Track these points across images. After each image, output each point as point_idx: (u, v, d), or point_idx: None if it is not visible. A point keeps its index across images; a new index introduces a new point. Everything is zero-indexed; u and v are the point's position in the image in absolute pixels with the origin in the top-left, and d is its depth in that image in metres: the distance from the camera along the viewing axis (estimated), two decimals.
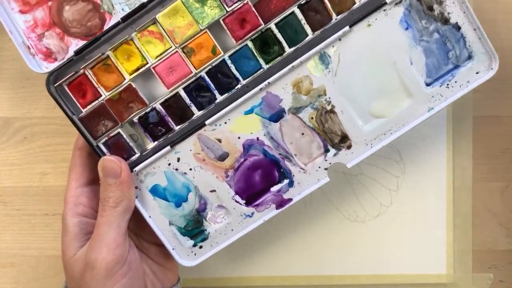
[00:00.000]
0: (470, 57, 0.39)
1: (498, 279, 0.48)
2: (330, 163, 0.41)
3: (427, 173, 0.48)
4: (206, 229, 0.42)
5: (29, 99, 0.47)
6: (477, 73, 0.39)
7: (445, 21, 0.38)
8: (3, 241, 0.48)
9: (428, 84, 0.39)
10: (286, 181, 0.41)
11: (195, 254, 0.42)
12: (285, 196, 0.41)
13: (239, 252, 0.47)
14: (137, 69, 0.39)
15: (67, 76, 0.39)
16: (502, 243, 0.48)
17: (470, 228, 0.48)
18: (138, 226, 0.42)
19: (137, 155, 0.40)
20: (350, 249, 0.48)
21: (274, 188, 0.41)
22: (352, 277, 0.48)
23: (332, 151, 0.40)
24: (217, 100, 0.40)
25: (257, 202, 0.41)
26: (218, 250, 0.41)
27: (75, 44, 0.39)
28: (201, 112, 0.40)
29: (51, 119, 0.47)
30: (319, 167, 0.41)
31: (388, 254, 0.48)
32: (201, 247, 0.42)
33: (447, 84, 0.39)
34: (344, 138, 0.40)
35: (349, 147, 0.40)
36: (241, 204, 0.41)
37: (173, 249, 0.41)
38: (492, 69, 0.39)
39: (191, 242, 0.42)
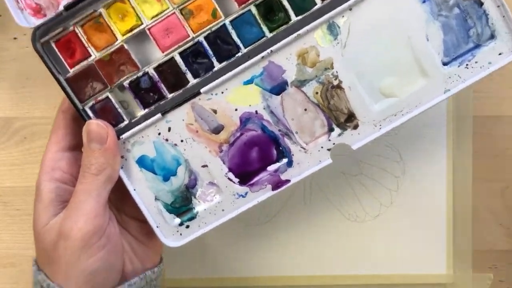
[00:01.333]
0: (492, 36, 0.36)
1: (498, 279, 0.48)
2: (334, 144, 0.37)
3: (427, 173, 0.48)
4: (194, 208, 0.38)
5: (29, 99, 0.47)
6: (499, 54, 0.36)
7: None
8: (3, 241, 0.48)
9: (445, 64, 0.36)
10: (284, 161, 0.38)
11: (180, 234, 0.38)
12: (283, 177, 0.38)
13: (239, 252, 0.47)
14: (131, 29, 0.37)
15: (55, 32, 0.36)
16: (502, 243, 0.48)
17: (470, 228, 0.48)
18: (120, 199, 0.38)
19: (125, 122, 0.37)
20: (350, 249, 0.48)
21: (271, 168, 0.38)
22: (352, 277, 0.48)
23: (337, 130, 0.37)
24: (215, 68, 0.37)
25: (251, 182, 0.38)
26: (206, 231, 0.38)
27: (66, 0, 0.36)
28: (196, 80, 0.37)
29: (51, 119, 0.47)
30: (322, 147, 0.37)
31: (388, 254, 0.48)
32: (188, 226, 0.38)
33: (466, 65, 0.36)
34: (351, 117, 0.37)
35: (355, 127, 0.37)
36: (234, 182, 0.38)
37: (157, 226, 0.38)
38: None
39: (178, 220, 0.38)
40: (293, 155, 0.38)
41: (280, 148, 0.38)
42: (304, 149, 0.37)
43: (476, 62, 0.36)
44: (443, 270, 0.48)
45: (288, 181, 0.38)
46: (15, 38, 0.47)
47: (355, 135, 0.37)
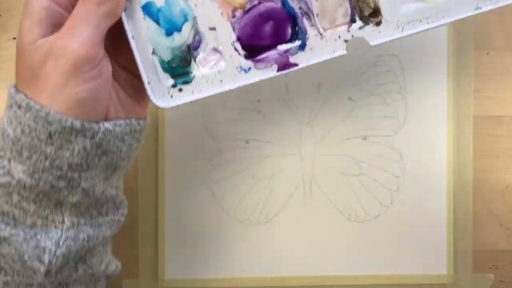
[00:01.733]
0: None
1: (498, 279, 0.48)
2: (352, 36, 0.35)
3: (427, 173, 0.48)
4: (192, 72, 0.36)
5: None
6: None
7: None
8: None
9: None
10: (297, 43, 0.35)
11: (171, 96, 0.36)
12: (291, 59, 0.35)
13: (239, 252, 0.47)
14: None
15: None
16: (502, 243, 0.48)
17: (470, 228, 0.48)
18: (115, 46, 0.35)
19: None
20: (350, 249, 0.48)
21: (282, 47, 0.35)
22: (352, 277, 0.48)
23: (359, 23, 0.35)
24: None
25: (258, 57, 0.35)
26: (198, 98, 0.36)
27: None
28: None
29: None
30: (339, 37, 0.35)
31: (388, 254, 0.48)
32: (180, 90, 0.36)
33: None
34: (376, 12, 0.35)
35: (378, 23, 0.35)
36: (239, 53, 0.35)
37: (148, 82, 0.35)
38: None
39: (171, 81, 0.36)
40: (308, 38, 0.35)
41: (296, 28, 0.35)
42: (321, 34, 0.35)
43: None
44: (443, 270, 0.48)
45: (296, 64, 0.36)
46: (14, 38, 0.47)
47: (375, 32, 0.35)
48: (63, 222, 0.33)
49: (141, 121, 0.36)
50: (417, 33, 0.35)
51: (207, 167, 0.47)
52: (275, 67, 0.36)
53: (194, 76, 0.36)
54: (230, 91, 0.36)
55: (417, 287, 0.48)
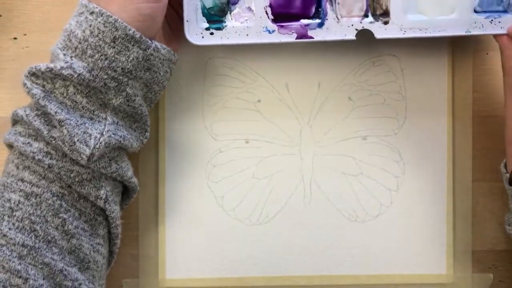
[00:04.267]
0: None
1: (498, 279, 0.48)
2: (363, 27, 0.42)
3: (427, 173, 0.48)
4: (225, 22, 0.43)
5: (29, 99, 0.47)
6: None
7: None
8: None
9: (476, 11, 0.42)
10: (317, 21, 0.43)
11: (202, 37, 0.43)
12: (309, 33, 0.43)
13: (239, 252, 0.47)
14: None
15: None
16: (502, 243, 0.48)
17: (470, 228, 0.48)
18: None
19: None
20: (350, 249, 0.48)
21: (305, 21, 0.43)
22: (352, 277, 0.48)
23: (370, 18, 0.43)
24: None
25: (283, 24, 0.43)
26: (224, 43, 0.43)
27: None
28: None
29: None
30: (352, 25, 0.43)
31: (388, 254, 0.48)
32: (212, 33, 0.43)
33: (492, 20, 0.42)
34: (386, 13, 0.42)
35: (386, 23, 0.42)
36: (268, 17, 0.43)
37: (187, 20, 0.42)
38: None
39: (206, 25, 0.43)
40: (327, 19, 0.43)
41: (320, 9, 0.43)
42: (338, 19, 0.43)
43: (499, 22, 0.42)
44: (443, 270, 0.48)
45: (312, 37, 0.43)
46: (15, 38, 0.47)
47: (382, 29, 0.43)
48: (106, 118, 0.39)
49: (176, 55, 0.42)
50: (415, 37, 0.42)
51: (207, 167, 0.47)
52: (295, 35, 0.43)
53: (226, 26, 0.43)
54: (253, 44, 0.43)
55: (417, 287, 0.48)
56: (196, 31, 0.42)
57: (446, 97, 0.48)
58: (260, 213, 0.48)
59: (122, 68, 0.38)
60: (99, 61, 0.38)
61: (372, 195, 0.48)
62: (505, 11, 0.42)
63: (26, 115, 0.39)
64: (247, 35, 0.43)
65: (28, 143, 0.38)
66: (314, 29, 0.43)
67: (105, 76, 0.38)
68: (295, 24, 0.43)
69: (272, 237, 0.48)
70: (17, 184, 0.38)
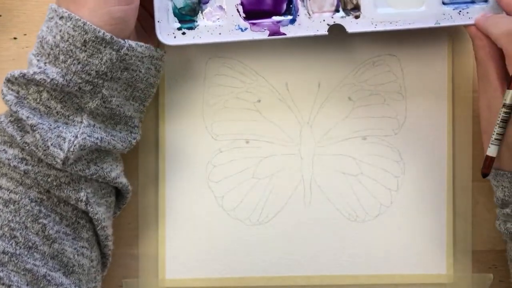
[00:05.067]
0: (486, 0, 0.43)
1: (498, 279, 0.48)
2: (334, 22, 0.43)
3: (427, 173, 0.48)
4: (197, 21, 0.43)
5: None
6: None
7: None
8: None
9: (444, 3, 0.43)
10: (289, 17, 0.43)
11: (175, 37, 0.43)
12: (282, 30, 0.43)
13: (239, 252, 0.47)
14: None
15: None
16: (502, 243, 0.48)
17: (470, 228, 0.48)
18: None
19: None
20: (350, 249, 0.48)
21: (276, 18, 0.43)
22: (352, 277, 0.48)
23: (341, 13, 0.43)
24: None
25: (255, 21, 0.43)
26: (196, 43, 0.43)
27: None
28: None
29: None
30: (323, 20, 0.43)
31: (388, 254, 0.48)
32: (184, 33, 0.43)
33: (460, 11, 0.43)
34: (356, 8, 0.43)
35: (357, 17, 0.43)
36: (240, 15, 0.43)
37: (158, 21, 0.42)
38: None
39: (178, 25, 0.43)
40: (298, 15, 0.43)
41: (291, 5, 0.43)
42: (309, 15, 0.43)
43: (467, 12, 0.43)
44: (443, 270, 0.48)
45: (284, 34, 0.43)
46: (15, 38, 0.47)
47: (353, 23, 0.43)
48: (81, 121, 0.39)
49: (158, 50, 0.42)
50: (386, 31, 0.43)
51: (207, 167, 0.47)
52: (267, 32, 0.43)
53: (198, 25, 0.43)
54: (225, 43, 0.43)
55: (417, 287, 0.48)
56: (167, 31, 0.43)
57: (446, 97, 0.48)
58: (260, 213, 0.48)
59: (96, 71, 0.38)
60: (72, 65, 0.38)
61: (372, 195, 0.48)
62: (472, 2, 0.43)
63: (0, 122, 0.39)
64: (220, 33, 0.43)
65: (3, 150, 0.38)
66: (286, 25, 0.43)
67: (79, 80, 0.38)
68: (267, 21, 0.43)
69: (272, 237, 0.48)
70: None
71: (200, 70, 0.47)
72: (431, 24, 0.43)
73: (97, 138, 0.39)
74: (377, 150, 0.48)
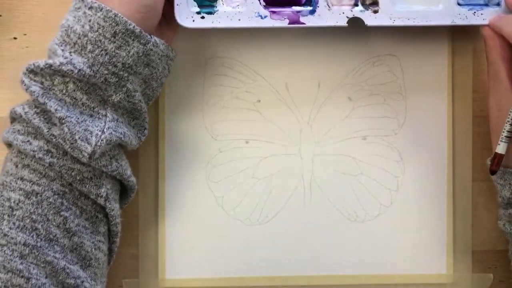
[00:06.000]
0: (498, 4, 0.44)
1: (498, 279, 0.48)
2: (353, 15, 0.43)
3: (427, 173, 0.48)
4: (216, 6, 0.43)
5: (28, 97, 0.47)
6: None
7: None
8: None
9: (459, 4, 0.44)
10: (309, 8, 0.43)
11: (193, 21, 0.43)
12: (301, 19, 0.43)
13: (239, 252, 0.47)
14: None
15: None
16: (502, 243, 0.48)
17: (470, 228, 0.48)
18: None
19: None
20: (350, 249, 0.48)
21: (297, 8, 0.43)
22: (352, 277, 0.48)
23: (360, 7, 0.43)
24: None
25: (275, 10, 0.43)
26: (215, 27, 0.43)
27: None
28: None
29: None
30: (343, 13, 0.43)
31: (388, 254, 0.48)
32: (203, 17, 0.43)
33: (474, 12, 0.44)
34: (375, 3, 0.44)
35: (375, 12, 0.43)
36: (261, 3, 0.43)
37: (177, 4, 0.42)
38: None
39: (197, 9, 0.43)
40: (318, 7, 0.43)
41: None
42: (329, 7, 0.43)
43: (481, 14, 0.44)
44: (443, 270, 0.48)
45: (303, 23, 0.43)
46: (15, 38, 0.47)
47: (372, 17, 0.44)
48: (106, 115, 0.39)
49: (174, 51, 0.42)
50: (404, 26, 0.44)
51: (207, 167, 0.47)
52: (287, 21, 0.43)
53: (217, 10, 0.43)
54: (246, 29, 0.44)
55: (417, 287, 0.48)
56: (186, 14, 0.42)
57: (446, 97, 0.48)
58: (260, 213, 0.48)
59: (122, 63, 0.38)
60: (100, 56, 0.37)
61: (372, 195, 0.48)
62: (486, 5, 0.44)
63: (25, 112, 0.38)
64: (239, 20, 0.43)
65: (28, 141, 0.38)
66: (306, 15, 0.43)
67: (106, 72, 0.38)
68: (287, 10, 0.43)
69: (272, 237, 0.48)
70: (16, 183, 0.38)
71: (200, 70, 0.47)
72: (447, 22, 0.44)
73: (121, 133, 0.39)
74: (377, 150, 0.48)
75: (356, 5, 0.43)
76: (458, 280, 0.48)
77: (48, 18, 0.47)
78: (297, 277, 0.48)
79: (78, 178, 0.38)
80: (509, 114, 0.42)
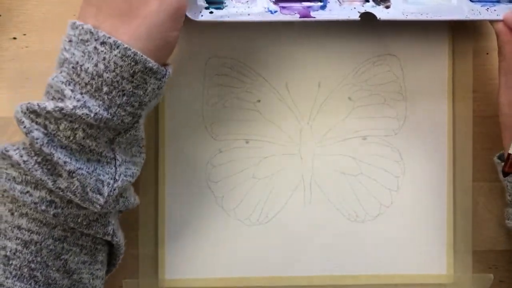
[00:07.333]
0: (510, 1, 0.44)
1: (498, 279, 0.48)
2: (365, 10, 0.43)
3: (427, 173, 0.48)
4: (225, 3, 0.43)
5: (29, 99, 0.47)
6: None
7: None
8: None
9: (472, 1, 0.44)
10: (319, 4, 0.43)
11: (202, 16, 0.42)
12: (312, 14, 0.43)
13: (239, 252, 0.47)
14: None
15: None
16: (502, 243, 0.48)
17: (470, 228, 0.48)
18: None
19: None
20: (350, 249, 0.48)
21: (307, 3, 0.43)
22: (352, 277, 0.48)
23: (371, 3, 0.44)
24: None
25: (285, 5, 0.43)
26: (224, 21, 0.42)
27: None
28: None
29: None
30: (354, 8, 0.43)
31: (388, 254, 0.48)
32: (211, 12, 0.42)
33: (487, 8, 0.44)
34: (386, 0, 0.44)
35: (387, 7, 0.44)
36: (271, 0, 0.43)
37: None
38: None
39: (205, 5, 0.42)
40: (329, 2, 0.43)
41: None
42: (340, 2, 0.43)
43: (494, 10, 0.44)
44: (443, 270, 0.48)
45: (314, 17, 0.43)
46: (14, 38, 0.47)
47: (384, 12, 0.43)
48: (114, 158, 0.36)
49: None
50: (416, 20, 0.43)
51: (207, 167, 0.47)
52: (297, 16, 0.43)
53: (226, 6, 0.43)
54: (256, 23, 0.44)
55: (417, 287, 0.48)
56: (194, 10, 0.42)
57: (446, 97, 0.48)
58: (260, 213, 0.47)
59: (139, 102, 0.35)
60: (117, 97, 0.34)
61: (372, 195, 0.48)
62: (498, 1, 0.44)
63: (24, 162, 0.34)
64: (249, 14, 0.43)
65: (27, 192, 0.34)
66: (317, 10, 0.43)
67: (123, 113, 0.35)
68: (297, 6, 0.43)
69: (272, 237, 0.48)
70: (12, 232, 0.35)
71: (200, 70, 0.47)
72: (461, 17, 0.44)
73: (131, 176, 0.37)
74: (377, 150, 0.48)
75: (367, 1, 0.44)
76: (458, 280, 0.48)
77: (48, 18, 0.47)
78: (297, 277, 0.48)
79: (84, 223, 0.36)
80: None
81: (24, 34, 0.47)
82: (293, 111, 0.47)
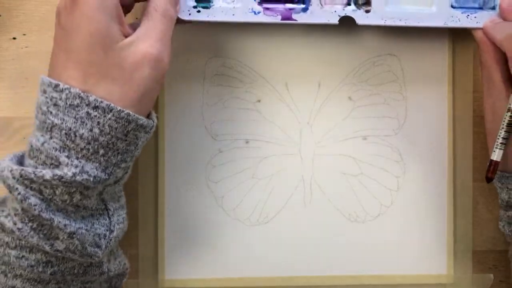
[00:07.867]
0: (493, 8, 0.44)
1: (498, 279, 0.48)
2: (345, 14, 0.43)
3: (427, 173, 0.48)
4: (212, 1, 0.43)
5: (28, 99, 0.47)
6: None
7: None
8: None
9: (453, 6, 0.44)
10: (301, 6, 0.44)
11: (189, 14, 0.43)
12: (293, 16, 0.44)
13: (239, 252, 0.47)
14: None
15: None
16: (502, 244, 0.48)
17: (470, 228, 0.48)
18: None
19: None
20: (350, 249, 0.48)
21: (289, 5, 0.44)
22: (352, 277, 0.48)
23: (352, 6, 0.44)
24: None
25: (268, 6, 0.43)
26: (210, 21, 0.43)
27: None
28: None
29: None
30: (335, 11, 0.44)
31: (388, 254, 0.48)
32: (199, 11, 0.43)
33: (468, 15, 0.44)
34: (368, 3, 0.44)
35: (367, 11, 0.44)
36: (255, 0, 0.43)
37: None
38: None
39: (193, 3, 0.43)
40: (311, 5, 0.44)
41: None
42: (322, 5, 0.44)
43: (475, 17, 0.44)
44: (443, 271, 0.48)
45: (295, 20, 0.44)
46: (14, 38, 0.47)
47: (364, 17, 0.44)
48: (106, 209, 0.36)
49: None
50: (395, 26, 0.44)
51: (207, 167, 0.47)
52: (279, 17, 0.44)
53: (213, 5, 0.43)
54: (239, 23, 0.44)
55: (417, 287, 0.48)
56: (183, 8, 0.43)
57: (446, 97, 0.48)
58: (260, 213, 0.47)
59: (131, 157, 0.36)
60: (113, 157, 0.35)
61: (372, 195, 0.48)
62: (480, 8, 0.44)
63: (18, 229, 0.33)
64: (233, 14, 0.43)
65: (23, 256, 0.34)
66: (299, 13, 0.43)
67: (118, 170, 0.35)
68: (280, 7, 0.43)
69: (272, 237, 0.48)
70: None
71: (199, 70, 0.47)
72: (439, 24, 0.44)
73: (123, 221, 0.38)
74: (377, 150, 0.48)
75: (348, 4, 0.44)
76: (458, 281, 0.48)
77: (47, 18, 0.47)
78: (297, 277, 0.48)
79: (80, 271, 0.36)
80: (503, 120, 0.41)
81: (24, 34, 0.47)
82: (293, 111, 0.47)
